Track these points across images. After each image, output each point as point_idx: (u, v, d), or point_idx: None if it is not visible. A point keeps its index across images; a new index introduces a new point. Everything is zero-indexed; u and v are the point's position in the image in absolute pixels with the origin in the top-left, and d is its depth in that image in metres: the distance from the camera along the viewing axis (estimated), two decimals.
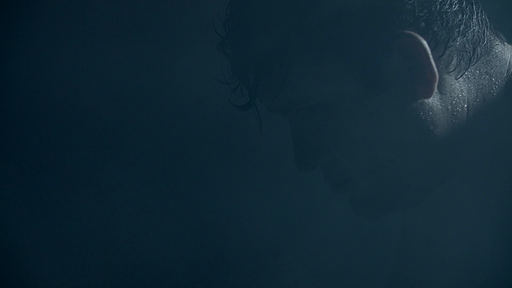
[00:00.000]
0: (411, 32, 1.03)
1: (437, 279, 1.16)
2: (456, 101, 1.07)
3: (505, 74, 1.10)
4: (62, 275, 1.59)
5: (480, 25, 1.08)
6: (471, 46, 1.07)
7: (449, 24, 1.05)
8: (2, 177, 1.59)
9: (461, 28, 1.06)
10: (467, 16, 1.07)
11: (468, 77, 1.08)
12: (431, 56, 1.03)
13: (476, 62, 1.08)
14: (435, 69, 1.04)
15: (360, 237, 1.53)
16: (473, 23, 1.07)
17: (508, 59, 1.10)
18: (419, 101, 1.05)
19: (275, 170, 1.61)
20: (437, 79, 1.04)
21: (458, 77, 1.07)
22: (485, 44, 1.08)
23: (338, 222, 1.56)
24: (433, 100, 1.06)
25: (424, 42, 1.03)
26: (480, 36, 1.08)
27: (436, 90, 1.05)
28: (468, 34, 1.07)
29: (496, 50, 1.10)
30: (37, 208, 1.60)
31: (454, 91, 1.07)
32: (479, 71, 1.08)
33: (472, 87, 1.08)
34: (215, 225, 1.63)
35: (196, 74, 1.56)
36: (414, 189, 1.09)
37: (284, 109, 1.10)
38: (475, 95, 1.08)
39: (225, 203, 1.63)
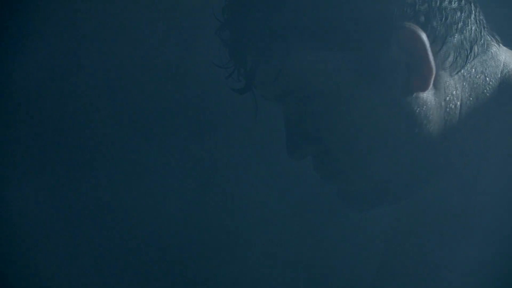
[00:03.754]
0: (411, 25, 1.04)
1: (422, 279, 1.16)
2: (449, 97, 1.08)
3: (499, 75, 1.11)
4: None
5: (478, 25, 1.09)
6: (468, 44, 1.08)
7: (448, 20, 1.06)
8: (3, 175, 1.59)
9: (460, 25, 1.07)
10: (466, 14, 1.08)
11: (464, 75, 1.09)
12: (429, 50, 1.04)
13: (472, 61, 1.09)
14: (433, 63, 1.05)
15: (349, 232, 1.53)
16: (471, 22, 1.08)
17: (503, 60, 1.11)
18: (414, 94, 1.06)
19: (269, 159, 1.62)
20: (434, 74, 1.05)
21: (454, 74, 1.08)
22: (482, 43, 1.10)
23: (332, 215, 1.56)
24: (428, 95, 1.07)
25: (424, 36, 1.04)
26: (477, 35, 1.09)
27: (431, 85, 1.06)
28: (466, 32, 1.08)
29: (492, 50, 1.11)
30: (39, 203, 1.61)
31: (449, 88, 1.08)
32: (475, 70, 1.09)
33: (466, 85, 1.09)
34: (211, 217, 1.63)
35: (196, 63, 1.57)
36: (405, 183, 1.10)
37: (279, 97, 1.10)
38: (468, 93, 1.09)
39: (221, 193, 1.63)
